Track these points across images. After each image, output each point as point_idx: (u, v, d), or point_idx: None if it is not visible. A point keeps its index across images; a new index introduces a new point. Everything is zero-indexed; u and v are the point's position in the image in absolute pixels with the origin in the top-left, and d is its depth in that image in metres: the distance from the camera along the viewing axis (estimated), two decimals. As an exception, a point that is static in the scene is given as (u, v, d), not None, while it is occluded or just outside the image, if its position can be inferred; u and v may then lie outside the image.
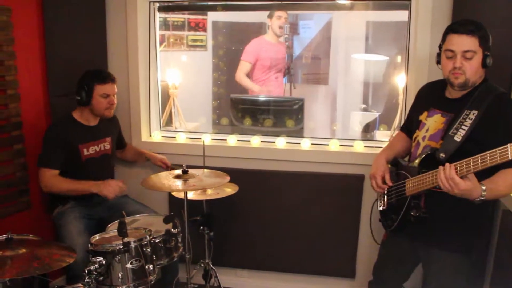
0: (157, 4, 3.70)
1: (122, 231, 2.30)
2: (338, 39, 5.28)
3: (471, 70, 2.17)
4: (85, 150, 3.14)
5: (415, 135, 2.46)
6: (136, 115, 3.67)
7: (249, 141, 3.62)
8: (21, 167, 3.20)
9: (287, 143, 3.58)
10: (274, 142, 3.59)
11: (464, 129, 2.15)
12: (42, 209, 3.36)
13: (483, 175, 2.00)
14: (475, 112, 2.15)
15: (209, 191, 3.07)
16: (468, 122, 2.14)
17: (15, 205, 3.19)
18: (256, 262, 3.66)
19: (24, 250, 2.21)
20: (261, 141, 3.62)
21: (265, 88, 4.67)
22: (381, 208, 2.61)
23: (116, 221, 2.45)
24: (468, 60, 2.15)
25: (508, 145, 1.79)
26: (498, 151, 1.83)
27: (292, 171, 3.48)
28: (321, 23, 5.37)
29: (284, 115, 3.98)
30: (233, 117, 4.09)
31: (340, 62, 5.32)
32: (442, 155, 2.17)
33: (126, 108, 3.66)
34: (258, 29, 5.13)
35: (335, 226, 3.44)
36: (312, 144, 3.53)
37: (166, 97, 4.25)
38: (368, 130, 4.27)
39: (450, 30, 2.21)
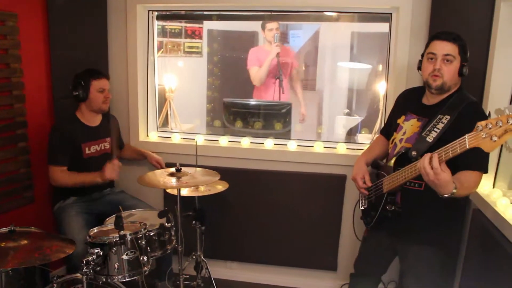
0: (156, 13, 3.70)
1: (119, 225, 2.30)
2: (325, 48, 5.31)
3: (449, 74, 2.22)
4: (86, 148, 3.15)
5: (392, 137, 2.50)
6: (134, 116, 3.67)
7: (239, 142, 3.63)
8: (25, 164, 3.20)
9: (275, 144, 3.59)
10: (263, 143, 3.60)
11: (436, 131, 2.20)
12: (45, 204, 3.35)
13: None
14: (448, 117, 2.20)
15: (201, 188, 3.08)
16: (440, 126, 2.20)
17: (19, 200, 3.19)
18: (245, 255, 3.67)
19: (26, 242, 2.22)
20: (251, 142, 3.63)
21: (266, 92, 4.68)
22: (362, 208, 2.66)
23: (114, 215, 2.46)
24: (447, 63, 2.21)
25: (466, 135, 1.83)
26: (458, 142, 1.87)
27: (279, 170, 3.50)
28: (309, 33, 5.39)
29: (273, 118, 3.99)
30: (225, 120, 4.09)
31: (326, 69, 5.35)
32: (413, 153, 2.21)
33: (125, 110, 3.66)
34: (250, 38, 5.15)
35: (319, 222, 3.47)
36: (298, 145, 3.54)
37: (163, 100, 4.26)
38: (350, 133, 4.30)
39: (434, 37, 2.28)
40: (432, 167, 1.94)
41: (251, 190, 3.54)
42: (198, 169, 2.95)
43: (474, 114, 2.15)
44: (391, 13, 3.25)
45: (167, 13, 3.88)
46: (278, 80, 4.53)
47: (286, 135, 3.93)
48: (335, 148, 3.49)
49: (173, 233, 2.70)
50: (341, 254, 3.52)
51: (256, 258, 3.66)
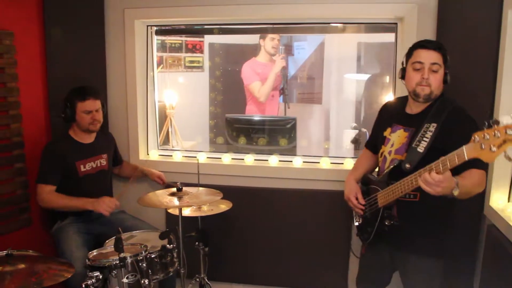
0: (155, 28, 3.77)
1: (119, 247, 2.33)
2: (331, 59, 5.35)
3: (436, 82, 2.31)
4: (81, 166, 3.18)
5: (381, 151, 2.57)
6: (134, 134, 3.71)
7: (243, 159, 3.66)
8: (22, 185, 3.24)
9: (280, 161, 3.62)
10: (267, 160, 3.63)
11: (425, 141, 2.26)
12: (42, 226, 3.39)
13: None
14: (435, 124, 2.27)
15: (204, 208, 3.10)
16: (429, 134, 2.26)
17: (16, 222, 3.23)
18: (250, 277, 3.67)
19: (23, 266, 2.23)
20: (255, 159, 3.66)
21: (261, 106, 4.71)
22: (357, 224, 2.71)
23: (114, 237, 2.49)
24: (434, 73, 2.30)
25: (463, 146, 1.90)
26: (455, 154, 1.93)
27: (284, 188, 3.52)
28: (314, 44, 5.44)
29: (277, 134, 4.02)
30: (228, 136, 4.13)
31: (333, 82, 5.38)
32: (407, 165, 2.27)
33: (124, 128, 3.70)
34: (253, 51, 5.18)
35: (327, 241, 3.47)
36: (304, 162, 3.57)
37: (163, 117, 4.30)
38: (358, 147, 4.32)
39: (418, 46, 2.35)
40: (435, 181, 1.99)
41: (256, 209, 3.56)
42: (200, 188, 2.98)
43: (461, 119, 2.27)
44: (396, 23, 3.30)
45: (167, 27, 3.94)
46: (283, 94, 4.58)
47: (292, 151, 3.96)
48: (342, 163, 3.51)
49: (175, 255, 2.71)
50: (351, 273, 3.51)
51: (262, 280, 3.66)
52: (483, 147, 1.82)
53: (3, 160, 3.12)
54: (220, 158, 3.70)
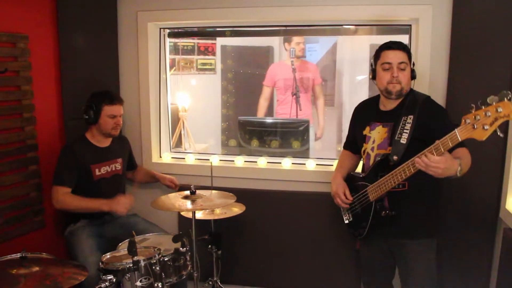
0: (167, 30, 3.78)
1: (132, 250, 2.33)
2: (343, 61, 5.33)
3: (405, 79, 2.48)
4: (97, 170, 3.19)
5: (363, 149, 2.68)
6: (146, 137, 3.73)
7: (256, 162, 3.66)
8: (35, 188, 3.26)
9: (293, 163, 3.61)
10: (280, 163, 3.62)
11: (406, 132, 2.41)
12: (55, 228, 3.40)
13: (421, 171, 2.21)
14: (411, 116, 2.44)
15: (217, 211, 3.10)
16: (408, 126, 2.42)
17: (30, 225, 3.25)
18: (264, 280, 3.66)
19: (37, 268, 2.24)
20: (268, 162, 3.66)
21: (282, 109, 4.73)
22: (347, 221, 2.78)
23: (127, 240, 2.49)
24: (402, 71, 2.47)
25: (455, 129, 2.05)
26: (448, 138, 2.08)
27: (298, 191, 3.51)
28: (326, 47, 5.42)
29: (290, 136, 4.01)
30: (241, 139, 4.13)
31: (345, 84, 5.36)
32: (395, 157, 2.40)
33: (137, 130, 3.72)
34: (265, 53, 5.19)
35: (341, 243, 3.44)
36: (317, 164, 3.56)
37: (176, 120, 4.31)
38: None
39: (385, 47, 2.52)
40: (434, 163, 2.12)
41: (269, 212, 3.55)
42: (213, 191, 2.98)
43: (433, 108, 2.50)
44: (410, 25, 3.27)
45: (179, 30, 3.95)
46: (295, 96, 4.57)
47: (305, 154, 3.95)
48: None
49: (188, 258, 2.71)
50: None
51: (275, 283, 3.65)
52: (475, 127, 1.98)
53: (17, 162, 3.14)
54: (233, 160, 3.70)
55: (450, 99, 3.07)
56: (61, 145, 3.42)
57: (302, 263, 3.55)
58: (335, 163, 3.48)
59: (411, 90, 2.56)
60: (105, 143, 3.28)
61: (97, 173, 3.20)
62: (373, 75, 2.59)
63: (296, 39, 4.58)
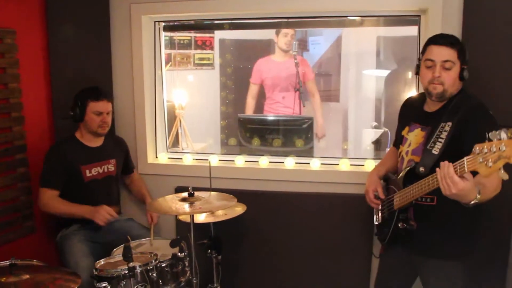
0: (163, 24, 3.78)
1: (127, 256, 2.33)
2: (348, 55, 5.32)
3: (449, 80, 2.29)
4: (87, 171, 3.19)
5: (400, 150, 2.59)
6: (141, 137, 3.72)
7: (257, 161, 3.65)
8: (25, 191, 3.26)
9: (296, 163, 3.60)
10: (283, 162, 3.61)
11: (440, 142, 2.25)
12: (46, 234, 3.41)
13: None
14: (450, 123, 2.26)
15: (217, 214, 3.09)
16: (444, 135, 2.25)
17: (19, 230, 3.25)
18: (266, 286, 3.65)
19: (27, 276, 2.24)
20: (270, 162, 3.65)
21: (271, 108, 4.73)
22: (376, 223, 2.74)
23: (122, 246, 2.49)
24: (446, 70, 2.28)
25: (465, 158, 1.90)
26: (458, 165, 1.94)
27: (302, 192, 3.50)
28: (331, 39, 5.42)
29: (293, 134, 4.00)
30: (241, 137, 4.12)
31: (351, 78, 5.35)
32: (421, 169, 2.27)
33: (131, 130, 3.71)
34: (266, 47, 5.18)
35: (347, 247, 3.44)
36: (322, 164, 3.55)
37: (172, 118, 4.30)
38: (380, 148, 4.28)
39: (431, 42, 2.35)
40: (446, 177, 1.97)
41: (272, 214, 3.54)
42: (212, 193, 2.97)
43: (477, 117, 2.23)
44: (419, 15, 3.26)
45: (175, 23, 3.94)
46: (298, 92, 4.57)
47: (308, 153, 3.94)
48: (363, 165, 3.48)
49: (187, 263, 2.72)
50: (373, 278, 3.47)
51: (278, 290, 3.65)
52: (481, 160, 1.82)
53: (5, 165, 3.13)
54: (233, 160, 3.69)
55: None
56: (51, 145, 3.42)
57: (306, 268, 3.54)
58: (341, 162, 3.49)
59: (461, 92, 2.37)
60: (96, 142, 3.28)
61: (88, 174, 3.19)
62: (417, 70, 2.47)
63: (284, 31, 4.56)
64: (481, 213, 2.38)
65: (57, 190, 3.10)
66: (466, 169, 1.90)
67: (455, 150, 2.09)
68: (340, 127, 5.30)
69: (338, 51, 5.36)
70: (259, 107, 4.85)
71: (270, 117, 4.38)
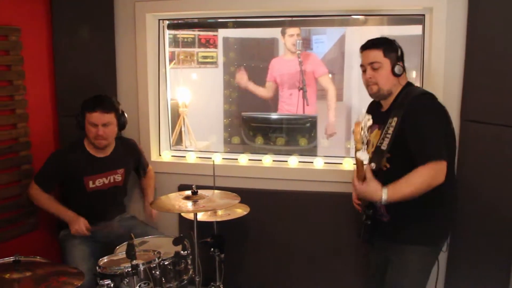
0: (167, 22, 3.78)
1: (131, 254, 2.32)
2: (352, 53, 5.29)
3: (381, 79, 2.42)
4: (90, 182, 3.15)
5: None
6: (145, 134, 3.72)
7: (260, 160, 3.65)
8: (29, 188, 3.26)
9: (299, 162, 3.60)
10: (286, 161, 3.61)
11: (388, 137, 2.34)
12: (50, 230, 3.41)
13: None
14: (395, 118, 2.34)
15: (220, 212, 3.09)
16: (391, 130, 2.34)
17: (23, 227, 3.25)
18: (269, 285, 3.66)
19: (31, 273, 2.25)
20: (273, 160, 3.65)
21: (281, 105, 4.73)
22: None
23: (125, 243, 2.49)
24: (376, 70, 2.42)
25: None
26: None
27: (305, 190, 3.50)
28: (334, 38, 5.39)
29: (297, 133, 4.00)
30: (245, 136, 4.12)
31: (354, 77, 5.34)
32: (372, 165, 2.35)
33: (135, 128, 3.71)
34: (269, 45, 5.17)
35: (350, 246, 3.43)
36: (325, 163, 3.55)
37: (176, 116, 4.30)
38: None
39: (360, 48, 2.52)
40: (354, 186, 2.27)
41: (274, 213, 3.54)
42: (216, 191, 2.97)
43: (414, 108, 2.31)
44: (424, 14, 3.25)
45: (179, 21, 3.94)
46: (301, 91, 4.56)
47: (312, 152, 3.94)
48: (367, 164, 3.46)
49: (189, 262, 2.71)
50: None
51: (281, 288, 3.65)
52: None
53: (10, 161, 3.14)
54: (236, 159, 3.69)
55: (466, 94, 3.05)
56: (55, 143, 3.43)
57: (310, 267, 3.54)
58: (344, 161, 3.49)
59: (407, 86, 2.47)
60: (104, 152, 3.21)
61: (91, 185, 3.15)
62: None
63: (289, 31, 4.55)
64: (449, 200, 2.45)
65: (46, 192, 3.10)
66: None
67: (401, 143, 2.27)
68: (344, 126, 5.28)
69: (342, 50, 5.34)
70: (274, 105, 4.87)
71: (274, 116, 4.38)
